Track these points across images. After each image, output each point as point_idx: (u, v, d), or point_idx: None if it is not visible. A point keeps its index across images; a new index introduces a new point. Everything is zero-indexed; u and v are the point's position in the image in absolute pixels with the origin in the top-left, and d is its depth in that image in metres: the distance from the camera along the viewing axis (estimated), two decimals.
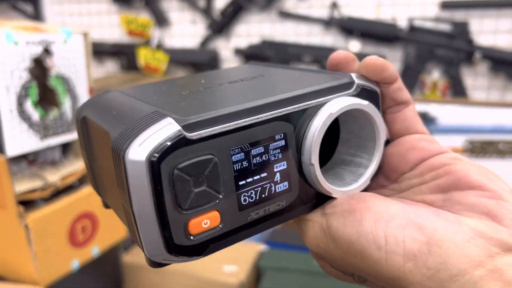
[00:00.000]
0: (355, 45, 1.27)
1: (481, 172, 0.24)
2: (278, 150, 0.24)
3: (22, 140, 0.74)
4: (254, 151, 0.23)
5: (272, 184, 0.24)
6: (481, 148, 1.07)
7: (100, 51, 1.52)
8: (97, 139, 0.26)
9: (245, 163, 0.23)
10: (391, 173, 0.28)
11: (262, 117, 0.23)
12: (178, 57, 1.44)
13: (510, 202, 0.22)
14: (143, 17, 1.47)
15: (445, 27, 1.19)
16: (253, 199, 0.24)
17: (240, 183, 0.23)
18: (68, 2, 1.56)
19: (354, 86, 0.27)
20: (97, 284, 0.90)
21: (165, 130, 0.21)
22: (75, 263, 0.81)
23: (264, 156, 0.24)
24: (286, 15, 1.33)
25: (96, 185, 0.30)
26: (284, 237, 1.07)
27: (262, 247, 1.03)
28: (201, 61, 1.42)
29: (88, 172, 0.31)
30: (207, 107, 0.23)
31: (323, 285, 0.90)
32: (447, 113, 1.16)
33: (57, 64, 0.79)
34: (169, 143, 0.20)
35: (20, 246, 0.73)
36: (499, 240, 0.21)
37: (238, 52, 1.37)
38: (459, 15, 1.20)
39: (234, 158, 0.23)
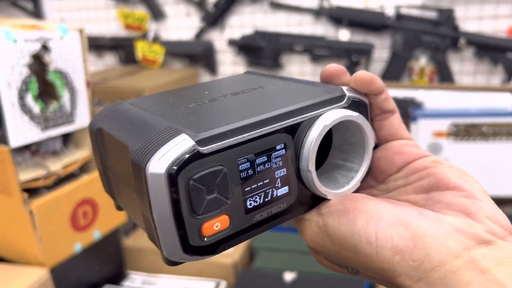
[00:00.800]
0: (344, 34, 1.30)
1: (458, 175, 0.27)
2: (279, 159, 0.27)
3: (24, 132, 0.79)
4: (258, 161, 0.26)
5: (274, 188, 0.27)
6: (466, 131, 1.11)
7: (98, 45, 1.56)
8: (114, 150, 0.29)
9: (250, 172, 0.26)
10: (379, 175, 0.31)
11: (265, 130, 0.26)
12: (174, 49, 1.49)
13: (483, 200, 0.25)
14: (140, 11, 1.51)
15: (431, 14, 1.22)
16: (258, 203, 0.26)
17: (246, 189, 0.26)
18: None
19: (345, 99, 0.29)
20: (100, 266, 0.96)
21: (181, 145, 0.23)
22: (77, 246, 0.87)
23: (267, 164, 0.26)
24: (277, 6, 1.36)
25: (110, 189, 0.33)
26: None
27: None
28: (196, 53, 1.46)
29: (102, 178, 0.33)
30: (215, 122, 0.25)
31: (311, 262, 0.95)
32: (434, 98, 1.20)
33: (55, 60, 0.83)
34: (185, 157, 0.23)
35: (25, 231, 0.79)
36: (474, 234, 0.23)
37: (232, 43, 1.41)
38: (444, 2, 1.23)
39: (241, 167, 0.25)
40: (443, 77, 1.25)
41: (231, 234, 0.26)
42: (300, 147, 0.27)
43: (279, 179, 0.27)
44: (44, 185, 0.87)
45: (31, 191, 0.84)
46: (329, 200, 0.29)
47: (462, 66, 1.27)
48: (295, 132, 0.27)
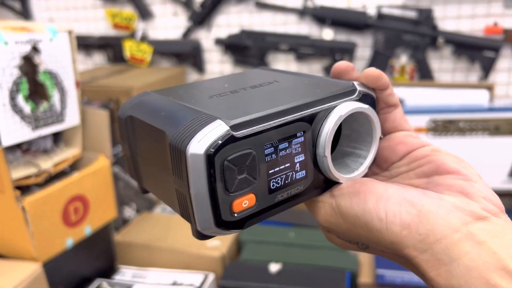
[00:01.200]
0: (328, 33, 1.34)
1: (456, 161, 0.30)
2: (299, 145, 0.30)
3: (15, 131, 0.81)
4: (281, 146, 0.29)
5: (293, 172, 0.30)
6: (444, 127, 1.16)
7: (87, 44, 1.58)
8: (146, 136, 0.31)
9: (274, 156, 0.28)
10: (383, 163, 0.34)
11: (288, 119, 0.29)
12: (162, 48, 1.51)
13: (478, 182, 0.28)
14: (127, 10, 1.53)
15: (411, 13, 1.26)
16: (279, 184, 0.29)
17: (270, 171, 0.29)
18: None
19: (357, 93, 0.32)
20: (91, 260, 0.98)
21: (217, 130, 0.26)
22: (69, 241, 0.89)
23: (288, 150, 0.29)
24: (263, 6, 1.39)
25: (137, 173, 0.35)
26: None
27: None
28: (184, 51, 1.49)
29: (128, 163, 0.36)
30: (244, 110, 0.28)
31: (295, 254, 0.99)
32: (414, 94, 1.24)
33: (45, 61, 0.86)
34: (220, 141, 0.26)
35: (18, 227, 0.81)
36: (472, 211, 0.26)
37: (219, 42, 1.44)
38: (424, 2, 1.27)
39: (267, 151, 0.28)
40: (423, 74, 1.30)
41: (256, 211, 0.29)
42: (317, 135, 0.30)
43: (297, 164, 0.30)
44: (36, 183, 0.89)
45: (23, 189, 0.86)
46: (340, 183, 0.32)
47: (441, 64, 1.32)
48: (313, 121, 0.30)
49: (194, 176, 0.26)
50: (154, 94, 0.34)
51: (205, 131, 0.26)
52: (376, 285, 0.89)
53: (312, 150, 0.31)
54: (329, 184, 0.33)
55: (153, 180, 0.33)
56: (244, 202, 0.28)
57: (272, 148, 0.28)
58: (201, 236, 0.29)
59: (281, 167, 0.29)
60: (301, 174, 0.30)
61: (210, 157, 0.26)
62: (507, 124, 1.15)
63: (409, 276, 0.86)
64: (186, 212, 0.28)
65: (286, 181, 0.30)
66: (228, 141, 0.26)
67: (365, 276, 0.92)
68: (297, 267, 0.94)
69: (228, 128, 0.26)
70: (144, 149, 0.32)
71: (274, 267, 0.94)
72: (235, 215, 0.28)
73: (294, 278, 0.91)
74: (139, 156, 0.34)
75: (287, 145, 0.29)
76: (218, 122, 0.26)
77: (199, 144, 0.26)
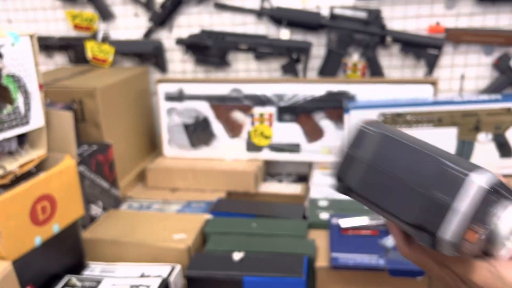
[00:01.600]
0: (285, 33, 1.40)
1: None
2: (496, 217, 0.38)
3: None
4: (499, 212, 0.38)
5: (483, 233, 0.38)
6: (392, 120, 1.25)
7: (47, 45, 1.58)
8: (401, 153, 0.40)
9: (492, 216, 0.38)
10: None
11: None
12: (124, 49, 1.53)
13: None
14: (88, 11, 1.54)
15: (361, 14, 1.34)
16: (479, 239, 0.38)
17: (485, 224, 0.38)
18: None
19: None
20: (60, 257, 1.01)
21: (491, 176, 0.36)
22: (38, 240, 0.92)
23: (493, 217, 0.38)
24: (222, 7, 1.44)
25: (350, 176, 0.44)
26: (226, 207, 1.22)
27: (207, 216, 1.17)
28: (145, 51, 1.52)
29: (342, 165, 0.45)
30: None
31: (257, 242, 1.05)
32: (365, 90, 1.33)
33: (8, 65, 0.88)
34: (495, 186, 0.36)
35: None
36: None
37: (180, 42, 1.48)
38: (373, 3, 1.35)
39: (492, 209, 0.37)
40: (374, 71, 1.38)
41: (477, 247, 0.38)
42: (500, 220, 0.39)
43: (483, 230, 0.38)
44: (1, 184, 0.91)
45: None
46: (494, 255, 0.40)
47: (391, 61, 1.41)
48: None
49: (464, 198, 0.35)
50: (394, 128, 0.45)
51: (483, 171, 0.36)
52: (331, 267, 0.96)
53: (490, 229, 0.39)
54: (484, 254, 0.41)
55: (382, 187, 0.41)
56: (475, 236, 0.37)
57: (496, 210, 0.38)
58: (433, 244, 0.37)
59: (484, 226, 0.38)
60: (483, 235, 0.39)
61: (485, 191, 0.35)
62: (449, 116, 1.25)
63: (360, 258, 0.94)
64: (429, 220, 0.37)
65: (480, 237, 0.38)
66: (498, 187, 0.36)
67: (322, 260, 0.99)
68: (259, 255, 1.01)
69: (498, 179, 0.36)
70: (390, 162, 0.41)
71: (237, 256, 1.00)
72: (464, 240, 0.36)
73: (256, 265, 0.97)
74: (375, 166, 0.42)
75: (497, 213, 0.38)
76: (489, 173, 0.36)
77: (481, 178, 0.35)
